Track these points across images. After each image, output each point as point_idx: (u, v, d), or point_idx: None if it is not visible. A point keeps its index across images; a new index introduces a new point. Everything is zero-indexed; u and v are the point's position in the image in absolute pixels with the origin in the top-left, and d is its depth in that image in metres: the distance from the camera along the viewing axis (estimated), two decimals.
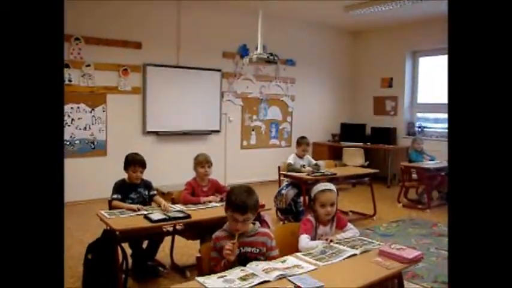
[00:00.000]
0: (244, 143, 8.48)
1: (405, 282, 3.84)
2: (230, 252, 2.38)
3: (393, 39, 9.54)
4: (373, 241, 2.84)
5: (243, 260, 2.43)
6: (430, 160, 7.40)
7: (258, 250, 2.52)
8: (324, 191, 2.94)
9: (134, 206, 3.69)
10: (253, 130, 8.59)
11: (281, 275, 2.25)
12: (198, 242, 4.06)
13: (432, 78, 9.45)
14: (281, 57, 8.65)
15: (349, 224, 3.08)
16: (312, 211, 2.98)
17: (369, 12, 7.80)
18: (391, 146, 9.05)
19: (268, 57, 5.62)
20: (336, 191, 3.00)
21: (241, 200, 2.47)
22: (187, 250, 4.57)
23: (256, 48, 5.77)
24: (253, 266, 2.33)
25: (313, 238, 2.87)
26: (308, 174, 5.50)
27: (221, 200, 4.02)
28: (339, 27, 9.73)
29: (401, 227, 5.82)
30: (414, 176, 7.41)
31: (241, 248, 2.48)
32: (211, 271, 2.40)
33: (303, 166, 5.86)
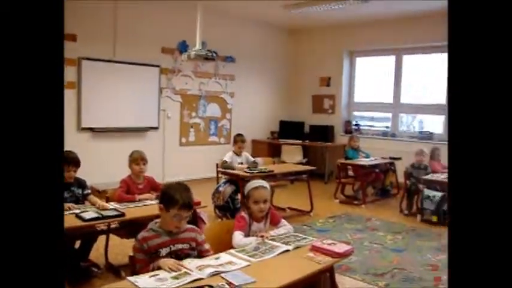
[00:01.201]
0: (183, 140, 8.40)
1: (339, 276, 3.96)
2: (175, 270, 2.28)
3: (332, 39, 9.74)
4: (306, 237, 2.90)
5: (175, 257, 2.41)
6: (365, 157, 7.62)
7: (188, 245, 2.53)
8: (257, 188, 2.96)
9: (65, 205, 3.57)
10: (192, 127, 8.51)
11: (214, 271, 2.24)
12: (133, 240, 3.98)
13: (368, 78, 9.75)
14: (221, 54, 8.66)
15: (283, 220, 3.12)
16: (245, 208, 2.99)
17: (308, 11, 7.91)
18: (329, 143, 9.24)
19: (206, 54, 5.61)
20: (269, 187, 3.03)
21: (187, 197, 2.49)
22: (122, 249, 4.47)
23: (195, 45, 5.73)
24: (187, 264, 2.32)
25: (247, 235, 2.88)
26: (245, 171, 5.52)
27: (157, 198, 3.96)
28: (279, 25, 9.83)
29: (337, 222, 5.95)
30: (350, 172, 7.61)
31: (172, 246, 2.47)
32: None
33: (241, 163, 5.88)
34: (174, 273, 2.20)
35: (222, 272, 2.25)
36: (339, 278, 3.88)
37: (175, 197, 2.46)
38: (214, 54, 5.99)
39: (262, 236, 2.80)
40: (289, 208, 6.51)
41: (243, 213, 2.96)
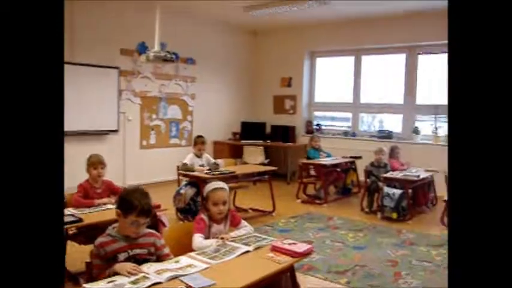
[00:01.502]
0: (144, 142, 8.29)
1: (301, 275, 3.99)
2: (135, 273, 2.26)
3: (292, 40, 9.80)
4: (267, 237, 2.90)
5: (133, 262, 2.37)
6: (326, 157, 7.69)
7: (147, 251, 2.49)
8: (215, 189, 2.95)
9: None
10: (152, 129, 8.41)
11: (173, 275, 2.22)
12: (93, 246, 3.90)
13: (328, 79, 9.86)
14: (181, 56, 8.60)
15: (243, 221, 3.11)
16: (205, 210, 2.98)
17: (268, 13, 7.93)
18: (291, 143, 9.30)
19: (165, 55, 5.54)
20: (228, 189, 3.03)
21: (146, 203, 2.46)
22: (80, 255, 4.36)
23: (154, 46, 5.66)
24: (146, 268, 2.29)
25: (207, 237, 2.87)
26: (206, 173, 5.49)
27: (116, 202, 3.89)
28: (240, 26, 9.82)
29: (299, 222, 5.99)
30: (312, 172, 7.66)
31: (130, 251, 2.43)
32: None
33: (202, 165, 5.84)
34: (132, 278, 2.17)
35: (181, 276, 2.22)
36: (301, 277, 3.92)
37: (133, 203, 2.42)
38: (173, 56, 5.93)
39: (222, 238, 2.79)
40: (251, 209, 6.51)
41: (202, 216, 2.95)
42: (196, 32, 9.01)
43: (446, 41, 7.78)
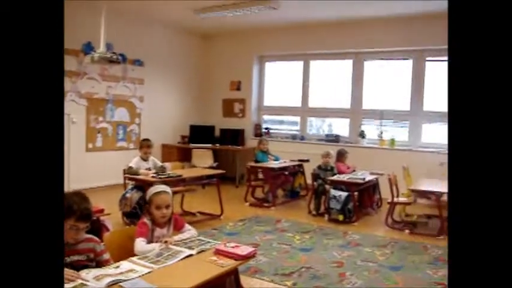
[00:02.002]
0: (90, 145, 8.08)
1: (248, 278, 4.00)
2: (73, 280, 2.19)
3: (242, 44, 9.83)
4: (211, 240, 2.89)
5: (71, 269, 2.30)
6: (274, 160, 7.75)
7: (86, 257, 2.42)
8: (158, 193, 2.92)
9: None
10: (99, 132, 8.21)
11: (113, 281, 2.17)
12: None
13: (277, 83, 9.95)
14: (129, 57, 8.46)
15: (186, 225, 3.09)
16: (147, 214, 2.93)
17: (218, 16, 7.92)
18: (240, 147, 9.31)
19: (111, 56, 5.44)
20: (171, 192, 3.00)
21: (85, 208, 2.39)
22: None
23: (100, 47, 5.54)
24: (84, 274, 2.22)
25: (150, 241, 2.82)
26: (152, 177, 5.41)
27: None
28: (190, 29, 9.75)
29: (247, 225, 6.00)
30: (260, 175, 7.70)
31: (68, 258, 2.35)
32: None
33: (148, 169, 5.76)
34: (70, 285, 2.10)
35: (121, 281, 2.18)
36: (247, 280, 3.93)
37: (72, 207, 2.34)
38: (120, 57, 5.83)
39: (165, 242, 2.75)
40: (199, 212, 6.46)
41: (145, 219, 2.90)
42: (145, 33, 8.89)
43: (392, 48, 8.07)
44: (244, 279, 3.79)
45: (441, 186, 5.88)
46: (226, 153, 9.40)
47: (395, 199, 6.20)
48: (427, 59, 8.18)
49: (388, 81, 8.66)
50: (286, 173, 7.69)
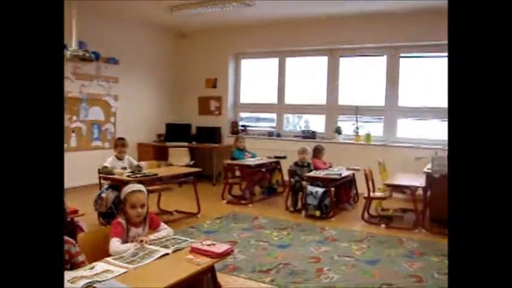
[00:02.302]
0: (64, 145, 7.96)
1: (225, 275, 3.99)
2: None
3: (218, 42, 9.78)
4: (187, 239, 2.87)
5: None
6: (251, 157, 7.75)
7: None
8: (133, 192, 2.89)
9: None
10: (73, 132, 8.09)
11: (88, 283, 2.14)
12: None
13: (253, 80, 9.94)
14: (103, 56, 8.35)
15: (162, 224, 3.07)
16: (122, 213, 2.90)
17: (193, 13, 7.88)
18: (216, 144, 9.28)
19: (83, 54, 5.35)
20: (146, 191, 2.97)
21: None
22: None
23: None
24: None
25: (125, 241, 2.79)
26: (128, 176, 5.35)
27: None
28: (165, 27, 9.67)
29: (224, 222, 5.98)
30: (237, 173, 7.69)
31: None
32: None
33: (124, 168, 5.70)
34: None
35: (96, 282, 2.15)
36: (225, 278, 3.92)
37: None
38: (93, 55, 5.75)
39: (141, 241, 2.72)
40: (176, 211, 6.43)
41: (120, 219, 2.87)
42: (120, 31, 8.78)
43: (366, 45, 8.14)
44: (222, 277, 3.78)
45: (416, 180, 5.97)
46: (203, 151, 9.36)
47: (371, 194, 6.25)
48: (401, 55, 8.27)
49: (363, 77, 8.73)
50: (263, 170, 7.69)
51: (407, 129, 8.40)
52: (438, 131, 8.12)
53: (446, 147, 7.40)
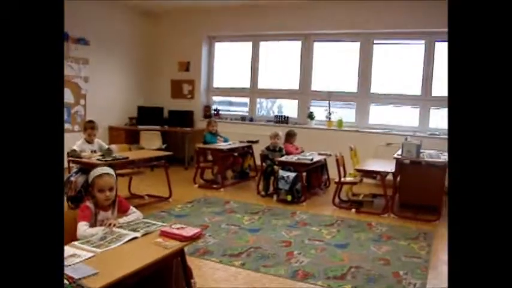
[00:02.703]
0: None
1: (197, 259, 4.00)
2: None
3: (191, 24, 9.65)
4: (156, 223, 2.85)
5: None
6: (224, 141, 7.72)
7: None
8: (101, 175, 2.84)
9: None
10: None
11: None
12: None
13: (227, 64, 9.87)
14: (72, 36, 8.15)
15: (132, 207, 3.03)
16: (90, 197, 2.86)
17: None
18: (189, 128, 9.21)
19: None
20: (114, 174, 2.93)
21: None
22: None
23: None
24: None
25: (94, 225, 2.76)
26: (98, 159, 5.27)
27: None
28: (137, 8, 9.48)
29: (195, 206, 5.97)
30: (209, 157, 7.65)
31: None
32: None
33: (94, 151, 5.61)
34: None
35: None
36: (196, 262, 3.92)
37: None
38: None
39: (109, 224, 2.69)
40: (148, 195, 6.38)
41: (88, 203, 2.83)
42: (90, 11, 8.56)
43: (340, 30, 8.15)
44: (192, 261, 3.78)
45: (386, 166, 6.05)
46: (175, 135, 9.28)
47: (342, 179, 6.32)
48: (375, 42, 8.32)
49: (336, 63, 8.76)
50: (236, 154, 7.69)
51: (379, 115, 8.49)
52: (409, 117, 8.25)
53: (417, 134, 7.55)
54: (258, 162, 7.52)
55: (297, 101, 9.12)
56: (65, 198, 5.41)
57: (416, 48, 8.09)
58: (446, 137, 7.41)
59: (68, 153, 5.58)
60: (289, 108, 9.34)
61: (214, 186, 7.19)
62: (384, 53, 8.36)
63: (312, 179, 7.02)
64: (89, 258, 2.27)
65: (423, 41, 7.94)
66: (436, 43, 7.86)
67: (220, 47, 9.94)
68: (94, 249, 2.38)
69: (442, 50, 7.84)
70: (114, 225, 2.70)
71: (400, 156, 5.91)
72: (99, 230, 2.64)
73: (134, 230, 2.65)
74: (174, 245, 2.47)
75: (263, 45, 9.41)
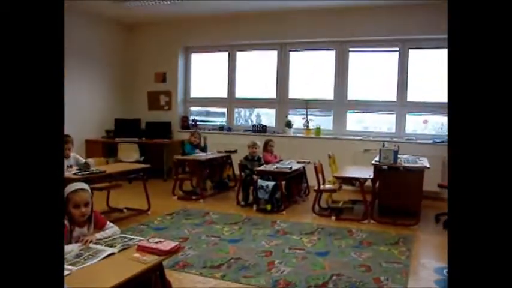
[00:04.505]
0: None
1: (176, 272, 3.96)
2: None
3: (167, 35, 9.63)
4: (134, 237, 2.82)
5: None
6: (202, 152, 7.69)
7: None
8: (76, 191, 2.80)
9: None
10: None
11: None
12: None
13: (204, 74, 9.85)
14: None
15: (108, 222, 2.99)
16: (65, 213, 2.81)
17: (141, 6, 7.72)
18: (167, 140, 9.15)
19: None
20: (89, 190, 2.89)
21: None
22: None
23: None
24: None
25: (69, 242, 2.70)
26: (74, 174, 5.19)
27: None
28: (113, 20, 9.40)
29: (175, 219, 5.92)
30: (188, 168, 7.61)
31: None
32: None
33: (70, 166, 5.52)
34: None
35: None
36: (176, 275, 3.88)
37: None
38: None
39: (86, 241, 2.65)
40: (126, 208, 6.30)
41: None
42: (65, 22, 8.30)
43: (316, 39, 8.21)
44: (172, 274, 3.75)
45: (365, 172, 6.09)
46: (153, 147, 9.19)
47: (321, 187, 6.34)
48: (350, 49, 8.41)
49: (313, 71, 8.82)
50: (215, 164, 7.66)
51: (356, 122, 8.56)
52: (385, 123, 8.34)
53: (394, 139, 7.63)
54: (237, 171, 7.50)
55: (274, 110, 9.14)
56: None
57: (390, 55, 8.19)
58: (423, 142, 7.59)
59: None
60: (267, 117, 9.36)
61: (194, 197, 7.14)
62: (359, 60, 8.45)
63: (291, 188, 7.01)
64: (64, 276, 2.22)
65: (397, 48, 8.05)
66: (410, 50, 7.98)
67: (196, 58, 9.92)
68: (69, 267, 2.34)
69: (415, 56, 7.96)
70: (91, 241, 2.65)
71: (378, 162, 5.96)
72: (74, 247, 2.59)
73: (111, 246, 2.61)
74: (152, 259, 2.44)
75: (239, 55, 9.42)
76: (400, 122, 8.12)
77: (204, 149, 7.80)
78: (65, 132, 6.63)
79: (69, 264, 2.36)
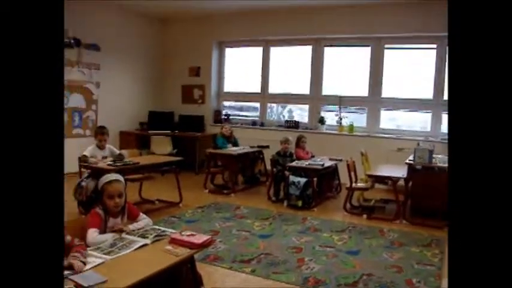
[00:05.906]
0: None
1: (207, 265, 3.98)
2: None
3: (201, 30, 9.68)
4: (166, 229, 2.84)
5: None
6: (233, 146, 7.71)
7: None
8: (110, 182, 2.84)
9: None
10: None
11: (64, 274, 2.09)
12: None
13: (237, 69, 9.87)
14: (84, 42, 8.19)
15: (141, 214, 3.03)
16: (100, 203, 2.85)
17: None
18: (199, 133, 9.21)
19: (64, 40, 5.24)
20: (123, 181, 2.92)
21: None
22: None
23: None
24: None
25: (104, 231, 2.75)
26: (109, 165, 5.28)
27: None
28: (148, 13, 9.52)
29: (206, 212, 5.95)
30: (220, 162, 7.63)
31: None
32: None
33: (105, 157, 5.62)
34: None
35: (71, 274, 2.10)
36: (207, 268, 3.90)
37: None
38: (73, 41, 5.65)
39: (120, 230, 2.69)
40: (158, 200, 6.38)
41: (97, 209, 2.82)
42: (101, 18, 8.60)
43: (349, 35, 8.12)
44: (203, 267, 3.77)
45: (398, 171, 5.99)
46: (185, 140, 9.27)
47: (353, 185, 6.27)
48: (386, 46, 8.28)
49: (347, 67, 8.73)
50: (246, 159, 7.67)
51: (390, 120, 8.43)
52: (420, 122, 8.19)
53: (429, 139, 7.48)
54: (269, 167, 7.49)
55: (307, 106, 9.09)
56: (76, 203, 5.43)
57: (428, 53, 8.02)
58: None
59: (79, 158, 5.61)
60: (300, 113, 9.31)
61: (225, 191, 7.17)
62: (395, 57, 8.31)
63: (323, 185, 6.96)
64: (98, 265, 2.26)
65: (435, 45, 7.88)
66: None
67: (230, 52, 9.95)
68: (104, 256, 2.37)
69: None
70: (124, 231, 2.69)
71: (412, 162, 5.86)
72: (109, 237, 2.63)
73: (144, 237, 2.64)
74: (183, 252, 2.45)
75: (273, 50, 9.39)
76: (436, 121, 7.95)
77: (235, 143, 7.82)
78: (101, 124, 6.84)
79: (104, 253, 2.40)
